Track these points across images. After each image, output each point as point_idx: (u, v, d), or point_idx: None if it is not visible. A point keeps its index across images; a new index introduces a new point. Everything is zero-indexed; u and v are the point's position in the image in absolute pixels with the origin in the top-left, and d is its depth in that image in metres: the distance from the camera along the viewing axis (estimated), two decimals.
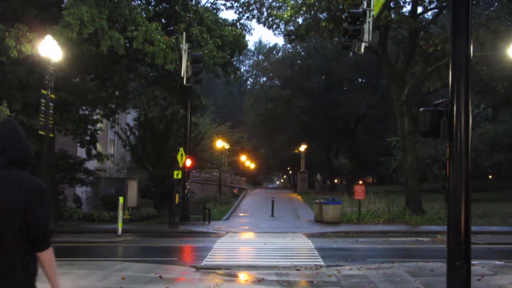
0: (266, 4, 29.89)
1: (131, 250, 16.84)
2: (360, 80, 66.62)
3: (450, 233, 7.28)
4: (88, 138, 26.90)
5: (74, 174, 27.56)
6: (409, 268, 11.55)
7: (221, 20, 25.51)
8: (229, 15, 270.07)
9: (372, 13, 12.31)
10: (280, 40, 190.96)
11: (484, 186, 42.75)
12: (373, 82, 62.39)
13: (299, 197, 46.91)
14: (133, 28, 19.21)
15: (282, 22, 28.38)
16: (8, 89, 19.27)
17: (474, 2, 27.67)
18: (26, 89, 19.78)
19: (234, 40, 24.08)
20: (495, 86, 34.46)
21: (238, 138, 64.24)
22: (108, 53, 18.86)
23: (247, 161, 76.02)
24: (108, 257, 14.01)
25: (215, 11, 26.42)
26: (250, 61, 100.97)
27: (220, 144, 51.09)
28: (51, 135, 18.22)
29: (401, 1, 27.81)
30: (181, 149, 23.55)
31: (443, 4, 27.54)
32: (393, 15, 24.41)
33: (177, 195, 23.07)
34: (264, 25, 29.61)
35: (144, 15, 20.68)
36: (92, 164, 30.16)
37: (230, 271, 11.79)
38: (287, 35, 31.15)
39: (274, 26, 29.68)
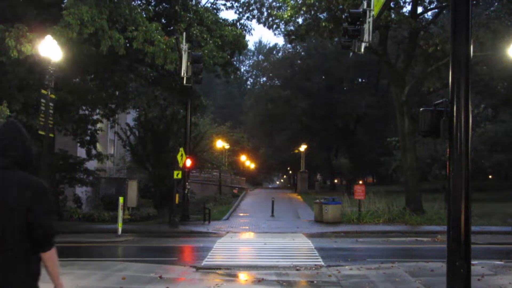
0: (266, 4, 29.90)
1: (131, 250, 16.83)
2: (360, 80, 66.61)
3: (450, 233, 7.28)
4: (88, 138, 26.92)
5: (74, 174, 27.57)
6: (409, 268, 11.55)
7: (221, 20, 25.52)
8: (229, 15, 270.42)
9: (372, 13, 12.31)
10: (280, 40, 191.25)
11: (484, 186, 42.76)
12: (373, 82, 62.38)
13: (299, 197, 46.91)
14: (133, 28, 19.22)
15: (282, 22, 28.38)
16: (8, 89, 19.28)
17: (474, 2, 27.67)
18: (26, 89, 19.78)
19: (234, 40, 24.09)
20: (495, 86, 34.49)
21: (238, 138, 64.27)
22: (108, 53, 18.87)
23: (247, 161, 76.03)
24: (108, 257, 14.00)
25: (215, 11, 26.44)
26: (250, 61, 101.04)
27: (220, 144, 51.10)
28: (51, 135, 18.24)
29: (401, 1, 27.83)
30: (181, 149, 23.55)
31: (443, 4, 27.54)
32: (393, 15, 24.41)
33: (177, 195, 23.06)
34: (264, 25, 29.61)
35: (144, 15, 20.69)
36: (92, 164, 30.17)
37: (230, 271, 11.78)
38: (287, 35, 31.15)
39: (274, 26, 29.69)
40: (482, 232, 20.20)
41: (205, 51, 22.19)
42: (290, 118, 61.29)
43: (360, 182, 45.73)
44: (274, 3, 29.45)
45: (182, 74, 20.90)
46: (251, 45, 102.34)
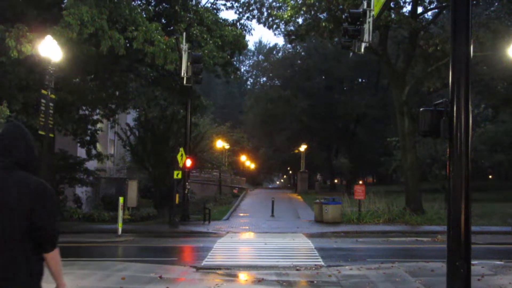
0: (266, 4, 29.88)
1: (131, 250, 16.84)
2: (360, 80, 66.64)
3: (450, 233, 7.28)
4: (88, 138, 26.90)
5: (74, 174, 27.55)
6: (409, 268, 11.55)
7: (221, 20, 25.51)
8: (229, 15, 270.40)
9: (372, 13, 12.32)
10: (280, 40, 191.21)
11: (484, 186, 42.75)
12: (373, 82, 62.39)
13: (299, 197, 46.91)
14: (133, 28, 19.21)
15: (282, 22, 28.38)
16: (8, 89, 19.28)
17: (474, 2, 27.68)
18: (26, 89, 19.78)
19: (234, 40, 24.07)
20: (495, 86, 34.48)
21: (238, 138, 64.26)
22: (108, 53, 18.85)
23: (247, 161, 76.02)
24: (108, 257, 14.00)
25: (215, 11, 26.41)
26: (250, 61, 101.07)
27: (220, 144, 51.10)
28: (51, 135, 18.22)
29: (401, 1, 27.82)
30: (181, 149, 23.56)
31: (443, 4, 27.54)
32: (393, 15, 24.41)
33: (177, 195, 23.07)
34: (264, 25, 29.59)
35: (144, 15, 20.68)
36: (92, 164, 30.16)
37: (230, 271, 11.79)
38: (287, 35, 31.15)
39: (274, 26, 29.67)
40: (482, 232, 20.21)
41: (205, 51, 22.19)
42: (290, 118, 61.31)
43: (360, 182, 45.77)
44: (274, 3, 29.44)
45: (182, 74, 20.90)
46: (251, 45, 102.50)
